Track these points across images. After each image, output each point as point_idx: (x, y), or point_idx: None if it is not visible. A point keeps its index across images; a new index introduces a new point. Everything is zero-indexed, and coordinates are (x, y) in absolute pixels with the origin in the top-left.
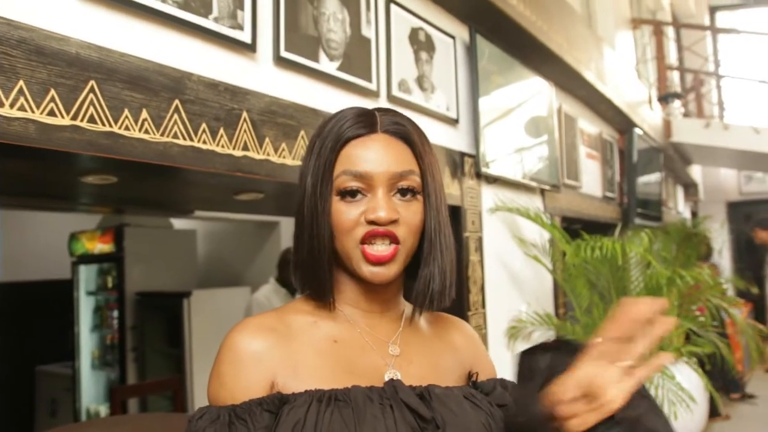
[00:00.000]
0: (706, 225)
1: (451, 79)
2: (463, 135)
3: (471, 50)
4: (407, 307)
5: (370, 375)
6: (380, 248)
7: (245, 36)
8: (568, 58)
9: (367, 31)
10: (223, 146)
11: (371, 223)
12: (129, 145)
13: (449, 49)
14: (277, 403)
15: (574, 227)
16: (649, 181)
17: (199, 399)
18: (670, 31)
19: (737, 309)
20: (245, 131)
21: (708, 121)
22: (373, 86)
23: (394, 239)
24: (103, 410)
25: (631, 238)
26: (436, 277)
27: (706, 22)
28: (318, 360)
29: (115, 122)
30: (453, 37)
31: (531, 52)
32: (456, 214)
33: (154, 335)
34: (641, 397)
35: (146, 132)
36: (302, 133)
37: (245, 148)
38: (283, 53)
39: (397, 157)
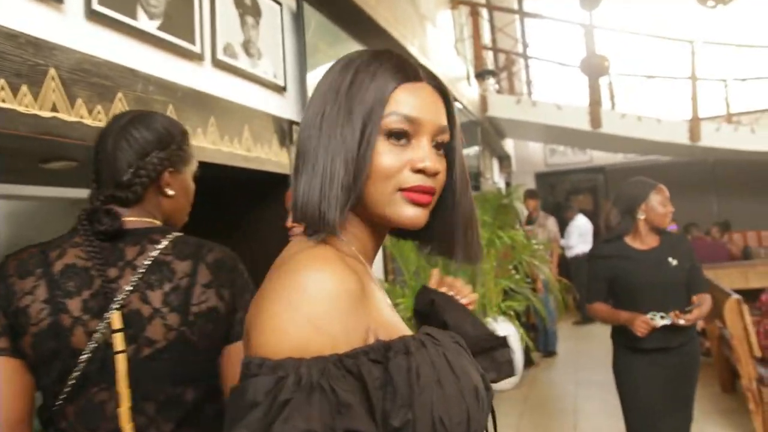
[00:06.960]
0: (518, 194)
1: (278, 46)
2: (291, 103)
3: (298, 18)
4: None
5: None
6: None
7: None
8: (394, 33)
9: None
10: (27, 105)
11: (419, 171)
12: None
13: (276, 16)
14: (383, 352)
15: None
16: (469, 153)
17: None
18: (484, 13)
19: (546, 267)
20: (54, 90)
21: (518, 97)
22: (196, 48)
23: (432, 193)
24: None
25: None
26: (475, 233)
27: (515, 6)
28: (385, 305)
29: None
30: (280, 4)
31: (358, 24)
32: (282, 181)
33: None
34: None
35: None
36: (120, 94)
37: (54, 108)
38: (96, 6)
39: (440, 110)
